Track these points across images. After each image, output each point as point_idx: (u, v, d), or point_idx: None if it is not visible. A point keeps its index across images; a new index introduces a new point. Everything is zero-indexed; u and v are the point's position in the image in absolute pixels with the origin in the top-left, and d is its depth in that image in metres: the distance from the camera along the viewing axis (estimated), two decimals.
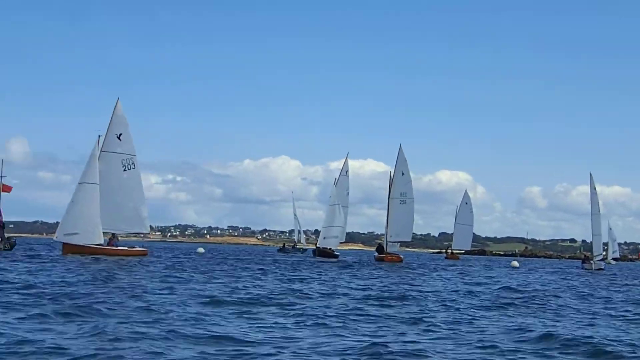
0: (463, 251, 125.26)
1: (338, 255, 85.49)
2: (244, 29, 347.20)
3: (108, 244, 57.99)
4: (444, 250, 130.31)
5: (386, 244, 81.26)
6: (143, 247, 66.74)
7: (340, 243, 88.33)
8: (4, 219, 63.48)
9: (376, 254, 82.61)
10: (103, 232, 57.14)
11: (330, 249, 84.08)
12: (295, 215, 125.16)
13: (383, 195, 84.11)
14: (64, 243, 56.39)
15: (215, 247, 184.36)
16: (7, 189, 65.19)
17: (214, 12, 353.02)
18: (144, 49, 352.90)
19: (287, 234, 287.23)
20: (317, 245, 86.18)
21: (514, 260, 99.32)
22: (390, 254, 79.10)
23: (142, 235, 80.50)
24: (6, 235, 63.73)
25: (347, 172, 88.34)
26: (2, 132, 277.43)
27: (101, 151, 58.82)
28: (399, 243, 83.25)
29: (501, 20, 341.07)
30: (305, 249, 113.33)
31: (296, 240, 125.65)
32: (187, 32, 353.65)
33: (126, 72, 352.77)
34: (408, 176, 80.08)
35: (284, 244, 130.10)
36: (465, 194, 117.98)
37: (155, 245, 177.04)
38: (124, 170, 59.43)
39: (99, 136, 59.22)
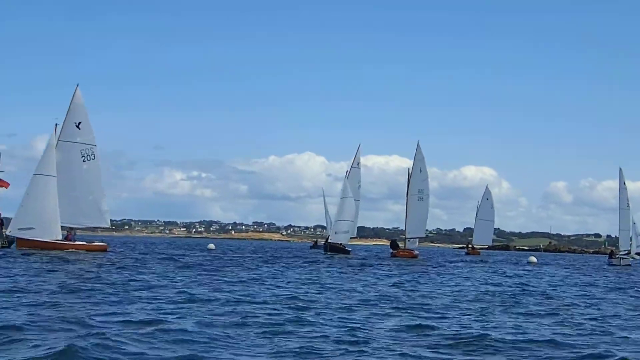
0: (486, 246, 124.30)
1: (350, 250, 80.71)
2: (264, 27, 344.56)
3: (65, 239, 53.58)
4: (465, 246, 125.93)
5: (405, 240, 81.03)
6: (102, 241, 61.19)
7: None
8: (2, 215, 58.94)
9: (391, 250, 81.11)
10: (61, 227, 52.70)
11: (341, 244, 78.79)
12: (326, 211, 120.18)
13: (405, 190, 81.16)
14: (17, 238, 52.30)
15: (235, 243, 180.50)
16: (3, 184, 60.44)
17: (235, 11, 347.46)
18: (169, 47, 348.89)
19: (312, 230, 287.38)
20: (329, 241, 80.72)
21: (532, 256, 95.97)
22: (404, 250, 78.23)
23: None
24: (4, 232, 58.75)
25: (358, 164, 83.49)
26: None
27: (58, 140, 54.52)
28: (418, 239, 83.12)
29: (527, 13, 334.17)
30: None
31: (328, 235, 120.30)
32: (209, 31, 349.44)
33: (154, 70, 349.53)
34: (425, 173, 79.80)
35: (316, 240, 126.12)
36: (487, 190, 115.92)
37: (177, 241, 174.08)
38: (83, 161, 54.96)
39: (56, 125, 55.06)
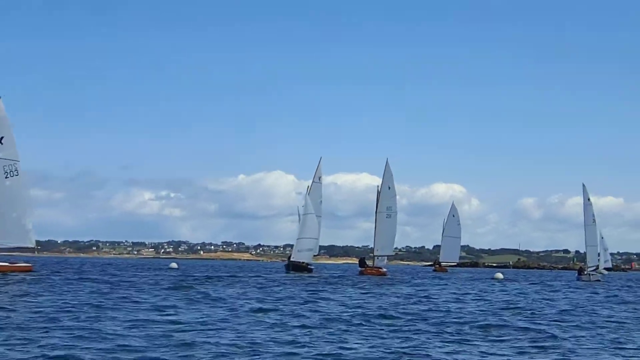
0: (454, 263, 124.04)
1: (312, 268, 78.05)
2: (231, 46, 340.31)
3: None
4: (433, 263, 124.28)
5: (374, 258, 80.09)
6: (27, 262, 56.97)
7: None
8: None
9: (359, 267, 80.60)
10: None
11: (304, 262, 76.03)
12: None
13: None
14: None
15: (201, 262, 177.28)
16: None
17: (202, 30, 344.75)
18: (137, 66, 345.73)
19: (282, 249, 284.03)
20: (291, 259, 77.88)
21: (498, 272, 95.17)
22: (372, 268, 77.47)
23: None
24: None
25: (320, 178, 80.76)
26: None
27: None
28: (387, 257, 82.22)
29: (495, 28, 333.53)
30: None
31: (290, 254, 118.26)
32: (177, 50, 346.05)
33: (123, 90, 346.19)
34: (394, 190, 79.45)
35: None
36: (453, 207, 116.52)
37: (131, 262, 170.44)
38: (6, 177, 52.18)
39: None
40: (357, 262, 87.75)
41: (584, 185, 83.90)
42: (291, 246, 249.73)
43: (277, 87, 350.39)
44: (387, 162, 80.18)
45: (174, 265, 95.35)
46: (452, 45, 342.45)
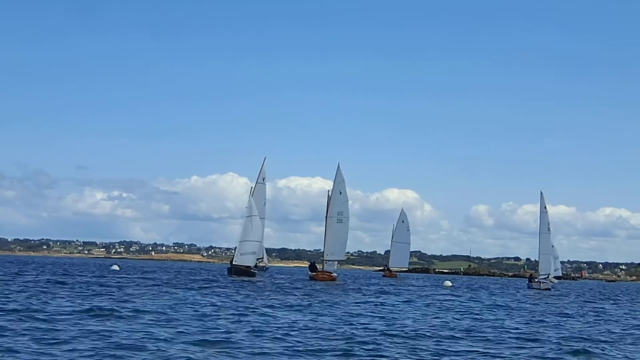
0: (406, 269, 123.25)
1: (255, 273, 74.65)
2: (184, 52, 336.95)
3: None
4: (383, 268, 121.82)
5: (324, 263, 77.72)
6: None
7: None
8: None
9: (309, 272, 78.56)
10: None
11: (248, 266, 72.53)
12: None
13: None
14: None
15: (146, 263, 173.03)
16: None
17: (156, 36, 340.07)
18: (91, 68, 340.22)
19: (234, 251, 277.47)
20: (233, 263, 74.30)
21: (447, 280, 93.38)
22: (322, 273, 75.55)
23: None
24: None
25: (264, 179, 77.16)
26: None
27: None
28: (337, 262, 79.44)
29: (446, 34, 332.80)
30: (268, 267, 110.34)
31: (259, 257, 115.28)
32: (134, 49, 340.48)
33: (79, 90, 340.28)
34: (345, 195, 77.26)
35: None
36: (402, 212, 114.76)
37: (79, 261, 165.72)
38: None
39: None
40: (308, 266, 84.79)
41: (541, 193, 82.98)
42: None
43: (232, 90, 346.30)
44: (338, 166, 77.88)
45: (115, 267, 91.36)
46: (407, 53, 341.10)
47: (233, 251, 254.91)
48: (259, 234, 72.14)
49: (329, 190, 78.10)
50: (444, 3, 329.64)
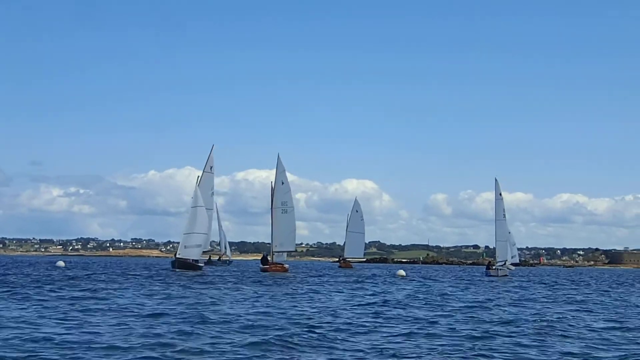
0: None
1: (202, 266, 70.97)
2: (151, 40, 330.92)
3: None
4: (338, 259, 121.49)
5: (272, 255, 76.05)
6: None
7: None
8: None
9: (261, 265, 77.23)
10: None
11: (193, 259, 68.84)
12: (220, 226, 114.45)
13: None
14: None
15: (99, 260, 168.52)
16: None
17: (125, 28, 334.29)
18: (45, 65, 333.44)
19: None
20: (177, 255, 70.63)
21: (401, 269, 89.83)
22: (275, 264, 74.21)
23: None
24: None
25: (211, 168, 72.90)
26: None
27: None
28: (286, 253, 78.26)
29: (407, 24, 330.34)
30: (231, 261, 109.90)
31: (222, 252, 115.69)
32: (93, 45, 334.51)
33: (32, 84, 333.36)
34: (287, 185, 75.92)
35: (210, 256, 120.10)
36: (356, 202, 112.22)
37: (28, 259, 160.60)
38: None
39: None
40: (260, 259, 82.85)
41: (496, 180, 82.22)
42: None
43: (189, 85, 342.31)
44: (278, 157, 75.89)
45: (60, 263, 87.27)
46: (361, 42, 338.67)
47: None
48: (205, 226, 68.31)
49: (271, 182, 76.64)
50: None
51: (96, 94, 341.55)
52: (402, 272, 79.47)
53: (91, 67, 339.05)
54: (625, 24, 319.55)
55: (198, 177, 71.50)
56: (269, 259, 76.83)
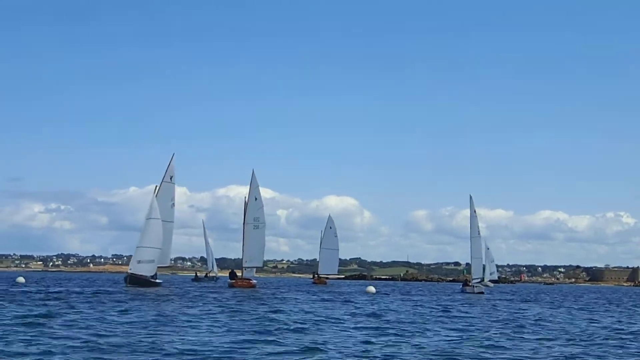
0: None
1: (159, 282, 66.29)
2: (133, 53, 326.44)
3: None
4: (312, 275, 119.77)
5: (242, 270, 75.98)
6: None
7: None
8: None
9: (229, 280, 77.82)
10: None
11: (151, 276, 64.10)
12: (207, 242, 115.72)
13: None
14: None
15: (81, 275, 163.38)
16: None
17: (85, 50, 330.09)
18: (31, 74, 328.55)
19: (173, 261, 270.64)
20: (129, 271, 65.81)
21: (370, 285, 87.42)
22: (242, 280, 74.23)
23: None
24: None
25: (172, 178, 67.51)
26: None
27: None
28: (255, 268, 77.33)
29: (389, 39, 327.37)
30: (219, 277, 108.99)
31: (209, 268, 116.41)
32: (66, 63, 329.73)
33: (10, 98, 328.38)
34: (261, 201, 75.45)
35: (196, 273, 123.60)
36: (330, 219, 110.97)
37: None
38: None
39: None
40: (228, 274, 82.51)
41: (470, 196, 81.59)
42: (182, 259, 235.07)
43: (170, 100, 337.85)
44: (253, 172, 74.80)
45: (20, 279, 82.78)
46: (346, 57, 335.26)
47: (172, 261, 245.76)
48: (159, 240, 62.97)
49: (245, 197, 75.44)
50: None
51: (76, 110, 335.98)
52: (371, 289, 77.27)
53: (71, 83, 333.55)
54: (611, 38, 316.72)
55: (156, 187, 66.25)
56: (237, 274, 76.62)
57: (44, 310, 30.77)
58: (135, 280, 62.73)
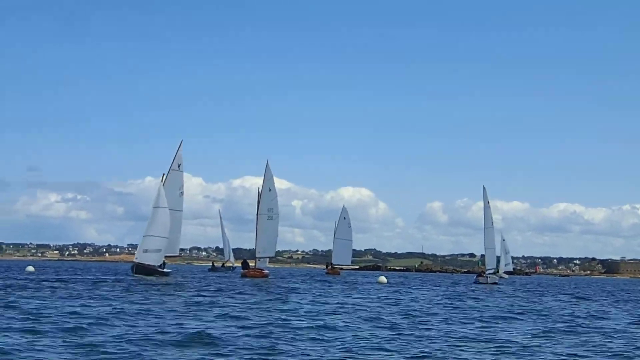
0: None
1: (168, 272, 65.18)
2: (132, 55, 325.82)
3: None
4: (325, 266, 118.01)
5: (256, 260, 76.27)
6: None
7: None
8: None
9: (241, 269, 78.36)
10: None
11: (160, 265, 63.11)
12: (223, 232, 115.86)
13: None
14: None
15: (96, 265, 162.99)
16: None
17: (98, 42, 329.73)
18: (47, 66, 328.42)
19: (188, 252, 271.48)
20: (135, 260, 64.76)
21: (382, 276, 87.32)
22: (254, 270, 74.45)
23: None
24: None
25: (179, 166, 66.32)
26: None
27: None
28: (268, 259, 77.72)
29: (405, 34, 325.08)
30: (235, 267, 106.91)
31: (226, 258, 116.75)
32: (86, 50, 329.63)
33: (29, 89, 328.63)
34: (275, 192, 75.89)
35: (213, 262, 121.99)
36: (344, 209, 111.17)
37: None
38: None
39: None
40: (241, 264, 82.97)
41: (484, 187, 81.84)
42: (197, 249, 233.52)
43: (185, 92, 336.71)
44: (267, 163, 75.22)
45: (30, 268, 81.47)
46: (362, 52, 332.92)
47: (187, 252, 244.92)
48: (166, 229, 61.80)
49: (259, 187, 75.67)
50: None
51: (93, 102, 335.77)
52: (383, 279, 77.23)
53: (89, 75, 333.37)
54: (620, 37, 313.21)
55: (163, 175, 65.11)
56: (250, 264, 76.92)
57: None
58: (142, 270, 61.37)
